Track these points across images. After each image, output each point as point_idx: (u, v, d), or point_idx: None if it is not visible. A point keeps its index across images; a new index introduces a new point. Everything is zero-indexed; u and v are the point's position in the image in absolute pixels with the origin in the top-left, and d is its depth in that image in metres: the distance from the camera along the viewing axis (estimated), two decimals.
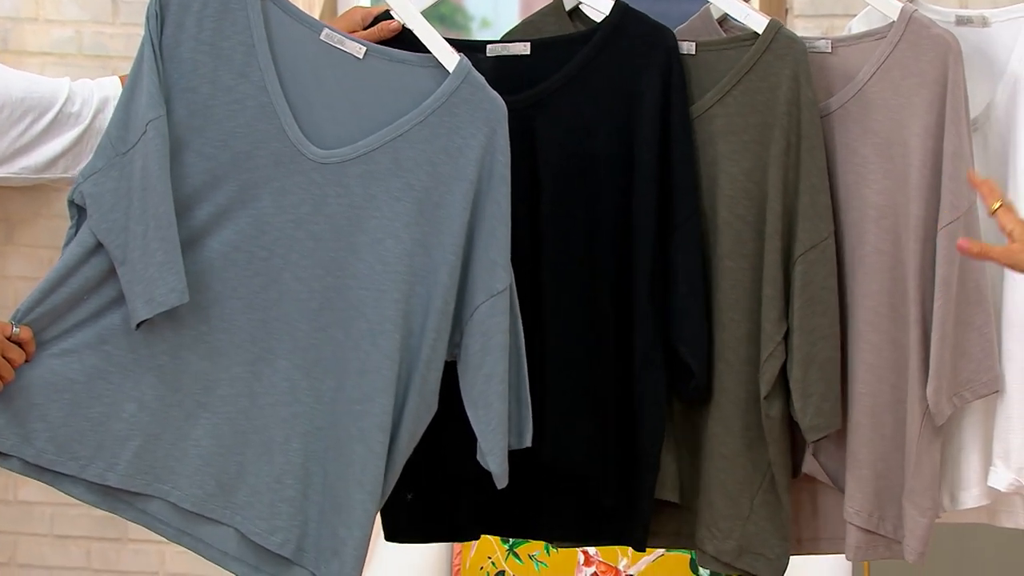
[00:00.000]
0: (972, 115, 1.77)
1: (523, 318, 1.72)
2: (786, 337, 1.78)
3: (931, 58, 1.74)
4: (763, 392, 1.77)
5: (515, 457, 1.70)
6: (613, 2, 1.79)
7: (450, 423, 1.66)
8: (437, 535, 1.86)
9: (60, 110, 1.86)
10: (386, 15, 1.75)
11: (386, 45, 1.72)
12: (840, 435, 1.80)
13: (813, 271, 1.76)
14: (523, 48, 1.80)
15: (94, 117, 1.84)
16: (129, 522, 1.69)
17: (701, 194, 1.79)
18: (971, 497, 1.81)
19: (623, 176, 1.76)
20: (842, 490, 1.81)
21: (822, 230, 1.77)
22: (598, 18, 1.81)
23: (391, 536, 1.84)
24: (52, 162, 1.87)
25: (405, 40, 1.73)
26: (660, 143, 1.75)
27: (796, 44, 1.77)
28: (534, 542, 2.53)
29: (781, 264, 1.77)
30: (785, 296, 1.78)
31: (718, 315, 1.79)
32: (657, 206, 1.76)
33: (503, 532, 1.87)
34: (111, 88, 1.88)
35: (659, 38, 1.78)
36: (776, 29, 1.78)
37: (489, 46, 1.81)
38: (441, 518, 1.82)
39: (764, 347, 1.77)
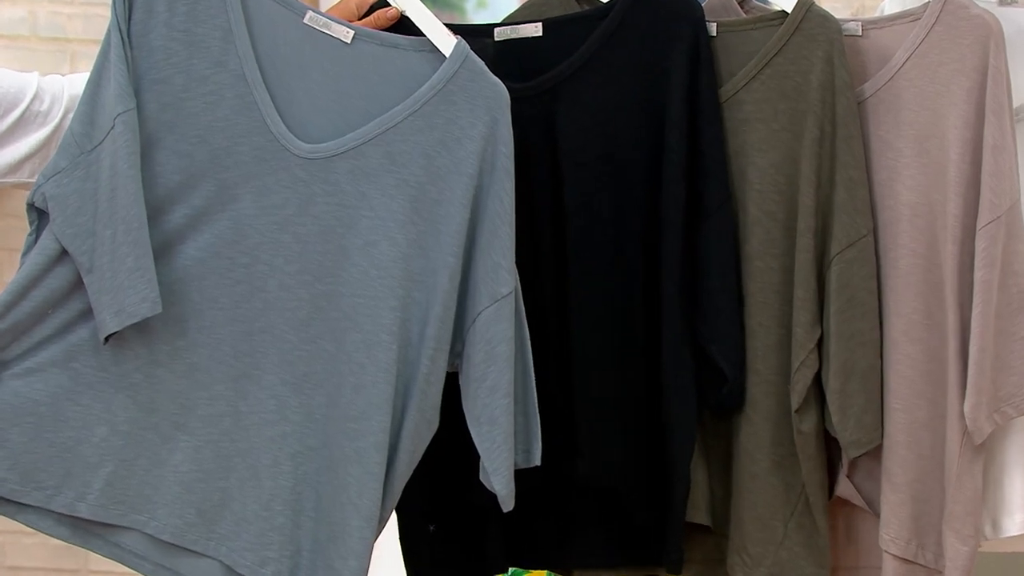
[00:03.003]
0: (1015, 104, 1.74)
1: (549, 320, 1.70)
2: (820, 344, 1.74)
3: (970, 42, 1.71)
4: (794, 404, 1.74)
5: (543, 477, 1.68)
6: None
7: (474, 446, 1.63)
8: (463, 570, 1.83)
9: (27, 108, 1.79)
10: (382, 3, 1.72)
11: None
12: (876, 454, 1.78)
13: (851, 271, 1.73)
14: (534, 29, 1.77)
15: (64, 117, 1.78)
16: (90, 551, 1.65)
17: (730, 182, 1.76)
18: (1015, 524, 1.79)
19: (650, 162, 1.74)
20: (878, 514, 1.79)
21: (861, 226, 1.74)
22: None
23: None
24: (17, 165, 1.81)
25: (404, 28, 1.69)
26: (689, 125, 1.73)
27: (830, 23, 1.74)
28: None
29: (814, 264, 1.74)
30: (819, 299, 1.75)
31: (747, 320, 1.76)
32: (686, 194, 1.73)
33: (533, 564, 1.84)
34: (83, 85, 1.81)
35: (684, 9, 1.75)
36: (807, 7, 1.75)
37: (497, 29, 1.78)
38: (467, 551, 1.79)
39: (796, 355, 1.74)
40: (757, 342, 1.76)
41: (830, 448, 1.79)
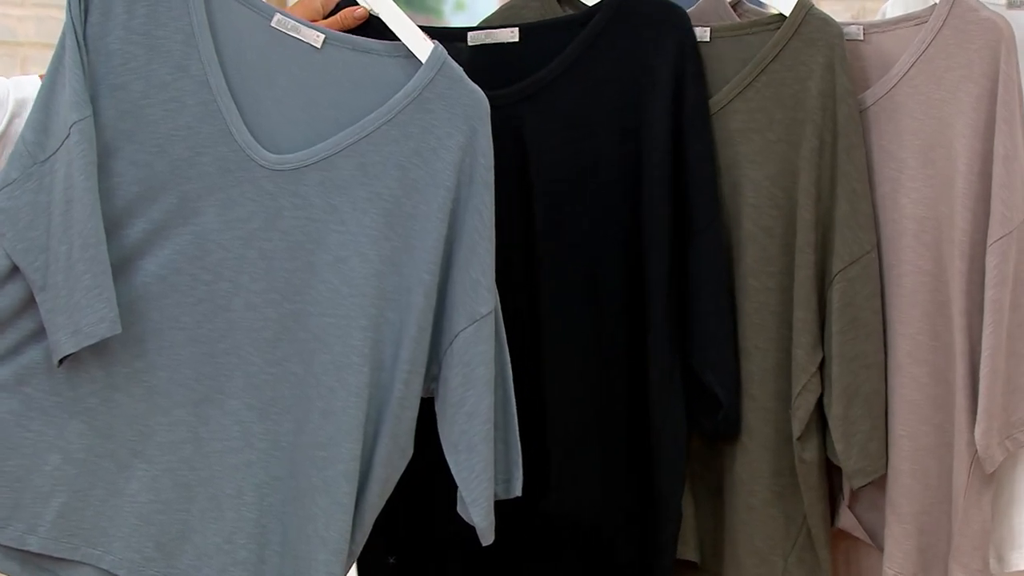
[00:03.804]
0: None
1: (520, 345, 1.63)
2: (821, 367, 1.69)
3: (979, 46, 1.66)
4: (796, 432, 1.69)
5: (513, 509, 1.61)
6: None
7: (437, 474, 1.57)
8: None
9: None
10: (349, 1, 1.67)
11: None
12: (879, 484, 1.72)
13: (854, 289, 1.68)
14: (511, 35, 1.71)
15: (9, 122, 1.74)
16: None
17: (723, 196, 1.70)
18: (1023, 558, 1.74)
19: (631, 179, 1.69)
20: (881, 548, 1.74)
21: (864, 242, 1.69)
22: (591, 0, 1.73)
23: None
24: None
25: (373, 29, 1.64)
26: (673, 139, 1.67)
27: (830, 27, 1.69)
28: None
29: (815, 282, 1.69)
30: (820, 319, 1.69)
31: (742, 343, 1.70)
32: (671, 212, 1.68)
33: None
34: (30, 89, 1.77)
35: (671, 18, 1.69)
36: (806, 9, 1.70)
37: (471, 34, 1.72)
38: None
39: (796, 380, 1.68)
40: (753, 365, 1.71)
41: (830, 477, 1.74)
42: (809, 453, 1.70)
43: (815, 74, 1.68)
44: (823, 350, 1.70)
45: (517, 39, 1.71)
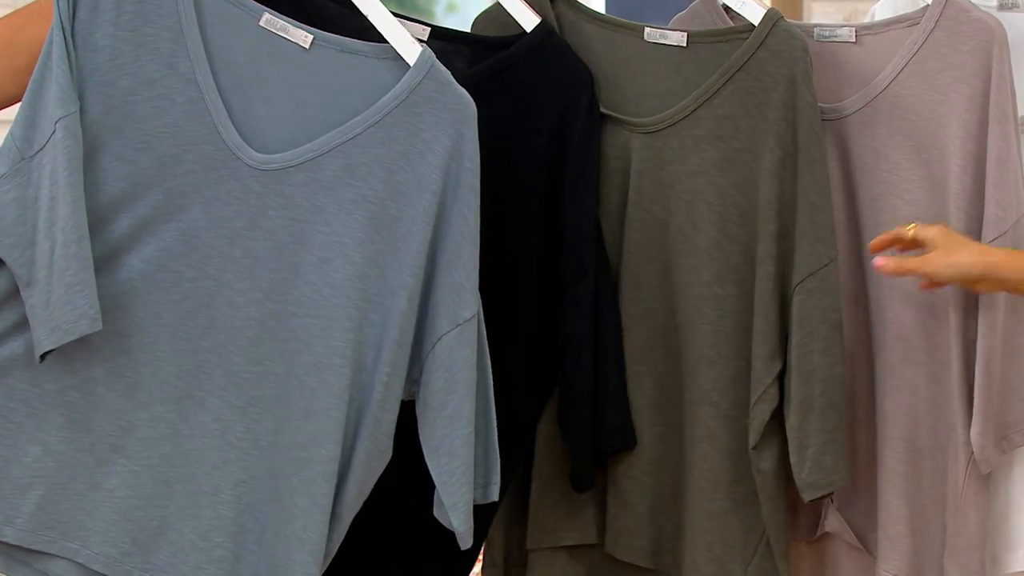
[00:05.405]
0: (1020, 113, 1.68)
1: None
2: (782, 377, 1.68)
3: (972, 47, 1.66)
4: (752, 441, 1.68)
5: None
6: (539, 21, 1.73)
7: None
8: None
9: None
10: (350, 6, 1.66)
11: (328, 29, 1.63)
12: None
13: (812, 302, 1.67)
14: (422, 31, 1.71)
15: None
16: None
17: (685, 203, 1.71)
18: (1020, 559, 1.71)
19: (507, 215, 1.71)
20: (872, 551, 1.72)
21: (822, 255, 1.67)
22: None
23: None
24: None
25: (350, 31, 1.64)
26: (552, 195, 1.69)
27: (795, 41, 1.69)
28: None
29: (775, 293, 1.68)
30: (779, 330, 1.69)
31: (704, 350, 1.70)
32: (538, 265, 1.70)
33: None
34: None
35: (575, 78, 1.72)
36: (773, 21, 1.69)
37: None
38: None
39: (754, 389, 1.68)
40: (715, 373, 1.70)
41: None
42: (766, 463, 1.69)
43: (779, 86, 1.68)
44: (784, 360, 1.69)
45: (426, 39, 1.71)
